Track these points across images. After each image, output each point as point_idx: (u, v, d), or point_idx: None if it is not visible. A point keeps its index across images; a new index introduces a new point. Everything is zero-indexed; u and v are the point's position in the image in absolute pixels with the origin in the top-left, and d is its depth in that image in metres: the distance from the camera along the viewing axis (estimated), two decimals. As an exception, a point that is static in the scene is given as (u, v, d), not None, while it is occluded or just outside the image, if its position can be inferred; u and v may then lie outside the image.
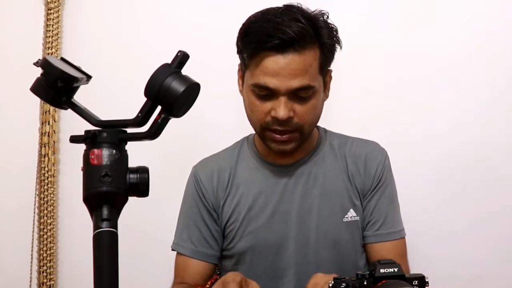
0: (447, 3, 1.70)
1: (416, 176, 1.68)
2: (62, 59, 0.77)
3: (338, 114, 1.57)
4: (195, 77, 0.74)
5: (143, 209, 1.36)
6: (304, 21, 1.12)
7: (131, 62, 1.74)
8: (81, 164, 0.71)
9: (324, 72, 1.21)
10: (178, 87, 0.71)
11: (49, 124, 1.75)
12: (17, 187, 1.79)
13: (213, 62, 1.66)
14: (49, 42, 1.74)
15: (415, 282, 0.88)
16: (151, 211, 1.65)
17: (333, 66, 1.24)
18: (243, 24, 1.19)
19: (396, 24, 1.72)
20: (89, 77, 0.78)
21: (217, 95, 1.61)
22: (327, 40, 1.17)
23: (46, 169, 1.74)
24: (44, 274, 1.75)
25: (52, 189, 1.75)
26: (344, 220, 1.26)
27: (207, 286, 1.14)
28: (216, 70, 1.64)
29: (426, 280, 0.89)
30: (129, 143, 0.74)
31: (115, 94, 1.74)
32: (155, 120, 0.74)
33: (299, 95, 1.15)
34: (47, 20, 1.75)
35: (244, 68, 1.21)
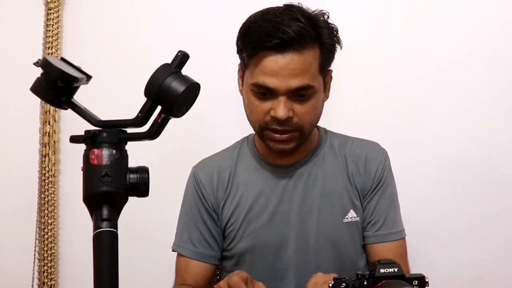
0: (447, 3, 1.70)
1: (416, 176, 1.68)
2: (62, 59, 0.77)
3: (338, 114, 1.57)
4: (195, 77, 0.74)
5: (143, 209, 1.36)
6: (304, 21, 1.12)
7: (131, 62, 1.74)
8: (81, 164, 0.71)
9: (324, 72, 1.20)
10: (178, 87, 0.71)
11: (49, 124, 1.75)
12: (17, 187, 1.79)
13: (213, 62, 1.66)
14: (49, 42, 1.74)
15: (415, 282, 0.88)
16: (151, 211, 1.65)
17: (333, 66, 1.24)
18: (243, 24, 1.19)
19: (396, 24, 1.72)
20: (89, 77, 0.78)
21: (217, 95, 1.61)
22: (327, 40, 1.17)
23: (47, 169, 1.75)
24: (45, 274, 1.75)
25: (52, 189, 1.75)
26: (344, 221, 1.26)
27: None
28: (216, 70, 1.64)
29: (426, 280, 0.89)
30: (129, 143, 0.74)
31: (115, 94, 1.74)
32: (155, 120, 0.74)
33: (298, 95, 1.15)
34: (47, 20, 1.75)
35: (244, 68, 1.21)
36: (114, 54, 1.77)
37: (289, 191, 1.27)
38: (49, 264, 1.75)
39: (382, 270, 0.86)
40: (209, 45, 1.70)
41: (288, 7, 1.17)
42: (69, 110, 0.77)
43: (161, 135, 0.74)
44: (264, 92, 1.16)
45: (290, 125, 1.17)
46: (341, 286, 0.89)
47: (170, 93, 0.71)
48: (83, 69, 0.78)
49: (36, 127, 1.77)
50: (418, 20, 1.71)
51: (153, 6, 1.78)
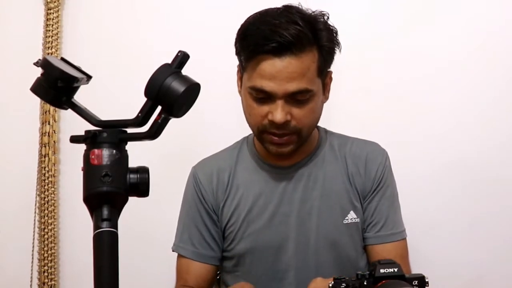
0: (447, 3, 1.70)
1: (416, 176, 1.68)
2: (62, 59, 0.77)
3: (338, 114, 1.57)
4: (195, 77, 0.74)
5: (143, 209, 1.36)
6: (303, 24, 1.11)
7: (131, 62, 1.74)
8: (81, 164, 0.71)
9: (323, 74, 1.19)
10: (178, 87, 0.71)
11: (49, 124, 1.75)
12: (17, 187, 1.79)
13: (213, 62, 1.66)
14: (49, 42, 1.74)
15: (415, 282, 0.88)
16: (151, 211, 1.65)
17: (333, 66, 1.23)
18: (241, 26, 1.18)
19: (396, 24, 1.72)
20: (89, 77, 0.78)
21: (217, 95, 1.61)
22: (326, 43, 1.16)
23: (47, 169, 1.74)
24: (45, 274, 1.75)
25: (52, 189, 1.75)
26: (344, 222, 1.26)
27: None
28: (216, 70, 1.63)
29: (426, 280, 0.89)
30: (129, 143, 0.74)
31: (115, 94, 1.74)
32: (155, 120, 0.74)
33: (296, 98, 1.14)
34: (47, 20, 1.74)
35: (242, 70, 1.21)
36: (114, 54, 1.77)
37: (289, 192, 1.27)
38: (49, 264, 1.75)
39: (382, 270, 0.86)
40: (209, 45, 1.70)
41: (287, 9, 1.15)
42: (69, 110, 0.77)
43: (161, 135, 0.74)
44: (261, 96, 1.15)
45: (288, 129, 1.16)
46: (341, 286, 0.89)
47: (170, 93, 0.71)
48: (83, 69, 0.78)
49: (36, 127, 1.77)
50: (418, 20, 1.71)
51: (153, 6, 1.78)
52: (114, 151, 0.71)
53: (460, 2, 1.70)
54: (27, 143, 1.76)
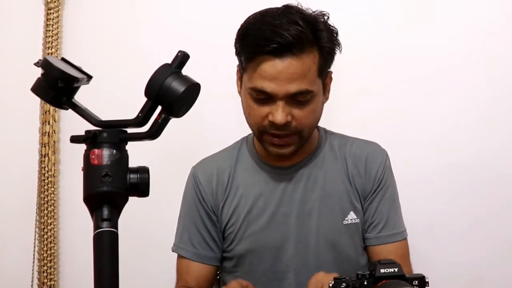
0: (447, 3, 1.70)
1: (416, 176, 1.68)
2: (63, 59, 0.77)
3: (338, 114, 1.57)
4: (195, 77, 0.74)
5: (143, 209, 1.36)
6: (303, 24, 1.10)
7: (131, 62, 1.74)
8: (81, 164, 0.71)
9: (324, 75, 1.19)
10: (178, 87, 0.71)
11: (49, 124, 1.75)
12: (17, 187, 1.79)
13: (213, 62, 1.66)
14: (49, 42, 1.74)
15: (415, 282, 0.88)
16: (151, 211, 1.65)
17: (333, 66, 1.23)
18: (241, 26, 1.17)
19: (396, 24, 1.72)
20: (89, 77, 0.78)
21: (217, 95, 1.61)
22: (327, 44, 1.15)
23: (47, 169, 1.74)
24: (45, 274, 1.75)
25: (52, 189, 1.75)
26: (344, 223, 1.26)
27: None
28: (216, 70, 1.63)
29: (426, 280, 0.89)
30: (129, 143, 0.74)
31: (116, 94, 1.74)
32: (155, 120, 0.74)
33: (297, 99, 1.13)
34: (47, 20, 1.74)
35: (242, 71, 1.20)
36: (114, 54, 1.77)
37: (288, 193, 1.27)
38: (48, 264, 1.75)
39: (382, 270, 0.86)
40: (209, 45, 1.70)
41: (287, 9, 1.14)
42: (69, 110, 0.77)
43: (161, 135, 0.74)
44: (262, 97, 1.14)
45: (288, 130, 1.16)
46: (341, 286, 0.89)
47: (170, 93, 0.71)
48: (83, 69, 0.78)
49: (36, 127, 1.77)
50: (418, 20, 1.71)
51: (153, 6, 1.78)
52: (114, 151, 0.71)
53: (460, 2, 1.70)
54: (27, 143, 1.76)
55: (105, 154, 0.70)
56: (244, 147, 1.34)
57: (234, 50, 1.21)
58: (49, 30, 1.74)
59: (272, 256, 1.27)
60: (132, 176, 0.72)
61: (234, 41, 1.20)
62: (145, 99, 0.72)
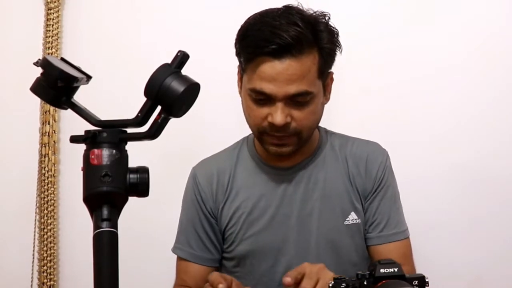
0: (447, 3, 1.70)
1: (416, 176, 1.68)
2: (62, 59, 0.77)
3: (339, 114, 1.57)
4: (195, 77, 0.74)
5: (143, 209, 1.36)
6: (303, 25, 1.10)
7: (131, 62, 1.74)
8: (81, 164, 0.71)
9: (324, 76, 1.18)
10: (178, 87, 0.71)
11: (49, 124, 1.75)
12: (17, 187, 1.79)
13: (213, 62, 1.66)
14: (49, 42, 1.74)
15: (415, 282, 0.88)
16: (151, 211, 1.65)
17: (333, 67, 1.23)
18: (241, 26, 1.17)
19: (396, 24, 1.72)
20: (89, 77, 0.78)
21: (217, 95, 1.61)
22: (327, 45, 1.15)
23: (47, 169, 1.74)
24: (45, 274, 1.75)
25: (52, 189, 1.75)
26: (345, 223, 1.25)
27: None
28: (216, 70, 1.63)
29: (426, 280, 0.89)
30: (129, 143, 0.74)
31: (115, 94, 1.74)
32: (155, 120, 0.74)
33: (296, 100, 1.13)
34: (47, 20, 1.74)
35: (242, 72, 1.20)
36: (114, 54, 1.77)
37: (289, 194, 1.27)
38: (48, 264, 1.75)
39: (382, 270, 0.86)
40: (209, 45, 1.70)
41: (288, 9, 1.14)
42: (69, 110, 0.77)
43: (161, 135, 0.74)
44: (261, 98, 1.14)
45: (288, 131, 1.15)
46: (341, 286, 0.89)
47: (170, 93, 0.71)
48: (83, 69, 0.78)
49: (36, 127, 1.77)
50: (418, 20, 1.71)
51: (153, 6, 1.78)
52: (114, 151, 0.71)
53: (460, 2, 1.70)
54: (27, 143, 1.76)
55: (104, 154, 0.70)
56: (244, 148, 1.34)
57: (234, 50, 1.20)
58: (49, 30, 1.74)
59: (273, 257, 1.26)
60: (132, 176, 0.72)
61: (234, 41, 1.20)
62: (145, 99, 0.72)
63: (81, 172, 0.71)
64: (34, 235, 1.75)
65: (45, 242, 1.74)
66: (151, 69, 0.72)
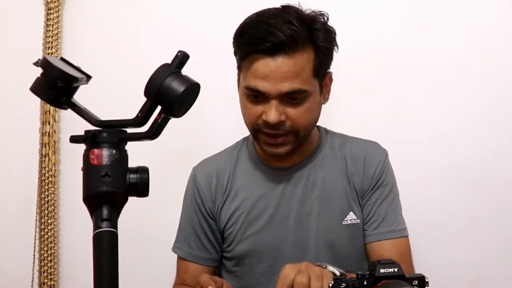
0: (447, 3, 1.70)
1: (416, 176, 1.68)
2: (62, 59, 0.77)
3: (338, 114, 1.57)
4: (195, 77, 0.74)
5: (143, 209, 1.36)
6: (298, 24, 1.10)
7: (131, 62, 1.74)
8: (81, 164, 0.71)
9: (321, 75, 1.18)
10: (178, 87, 0.71)
11: (49, 124, 1.75)
12: (17, 187, 1.79)
13: (213, 62, 1.66)
14: (49, 42, 1.74)
15: (415, 282, 0.87)
16: (151, 211, 1.65)
17: (333, 67, 1.23)
18: (239, 26, 1.17)
19: (396, 24, 1.72)
20: (89, 77, 0.78)
21: (217, 95, 1.61)
22: (322, 43, 1.15)
23: (47, 169, 1.74)
24: (45, 274, 1.75)
25: (52, 189, 1.75)
26: (343, 223, 1.25)
27: None
28: (216, 70, 1.64)
29: (426, 280, 0.89)
30: (129, 143, 0.74)
31: (115, 94, 1.74)
32: (155, 120, 0.74)
33: (291, 98, 1.13)
34: (47, 20, 1.75)
35: (238, 70, 1.21)
36: (114, 54, 1.77)
37: (288, 194, 1.27)
38: (49, 264, 1.75)
39: (382, 270, 0.86)
40: (209, 45, 1.70)
41: (285, 9, 1.15)
42: (69, 110, 0.77)
43: (161, 135, 0.74)
44: (256, 95, 1.14)
45: (282, 129, 1.15)
46: (341, 286, 0.89)
47: (170, 93, 0.71)
48: (83, 69, 0.78)
49: (36, 127, 1.77)
50: (418, 20, 1.71)
51: (153, 6, 1.78)
52: (114, 151, 0.71)
53: (460, 2, 1.70)
54: (27, 143, 1.76)
55: (104, 154, 0.70)
56: (244, 148, 1.34)
57: (233, 50, 1.21)
58: (49, 30, 1.74)
59: (272, 257, 1.26)
60: (131, 176, 0.72)
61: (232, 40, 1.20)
62: (145, 99, 0.72)
63: (81, 172, 0.71)
64: (35, 235, 1.75)
65: (46, 242, 1.74)
66: (151, 69, 0.72)
